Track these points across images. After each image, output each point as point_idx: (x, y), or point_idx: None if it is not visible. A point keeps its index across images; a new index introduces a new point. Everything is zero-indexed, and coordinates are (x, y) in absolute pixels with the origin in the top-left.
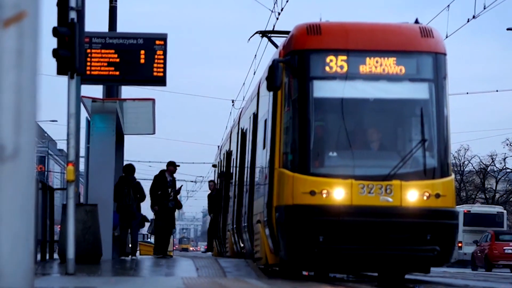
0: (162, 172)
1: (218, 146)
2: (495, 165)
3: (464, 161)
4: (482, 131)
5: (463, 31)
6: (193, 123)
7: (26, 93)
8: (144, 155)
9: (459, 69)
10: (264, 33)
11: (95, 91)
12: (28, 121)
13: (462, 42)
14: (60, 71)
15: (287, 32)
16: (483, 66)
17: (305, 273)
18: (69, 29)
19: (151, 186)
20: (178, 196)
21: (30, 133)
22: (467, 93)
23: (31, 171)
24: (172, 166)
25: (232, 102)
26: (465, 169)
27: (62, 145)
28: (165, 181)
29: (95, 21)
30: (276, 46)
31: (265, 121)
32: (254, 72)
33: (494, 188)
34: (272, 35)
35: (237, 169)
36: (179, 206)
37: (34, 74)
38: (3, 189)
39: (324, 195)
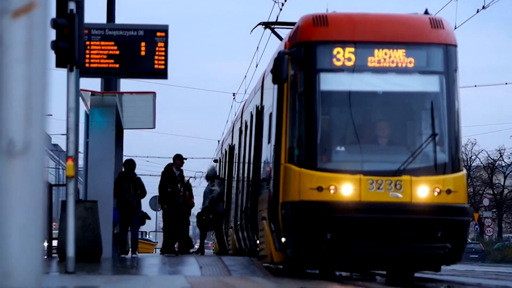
0: (169, 166)
1: (219, 141)
2: (503, 160)
3: (471, 156)
4: (490, 125)
5: (471, 21)
6: (191, 117)
7: (36, 86)
8: (141, 150)
9: (467, 61)
10: (267, 25)
11: (93, 84)
12: (38, 115)
13: (470, 33)
14: (58, 64)
15: (291, 24)
16: (492, 58)
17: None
18: (68, 21)
19: (160, 183)
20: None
21: (40, 128)
22: (475, 86)
23: (41, 166)
24: (179, 160)
25: (233, 95)
26: (472, 164)
27: (56, 139)
28: (174, 176)
29: (93, 12)
30: (279, 37)
31: (270, 114)
32: (257, 65)
33: (502, 183)
34: (275, 26)
35: (240, 164)
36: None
37: (44, 66)
38: (13, 185)
39: (332, 191)
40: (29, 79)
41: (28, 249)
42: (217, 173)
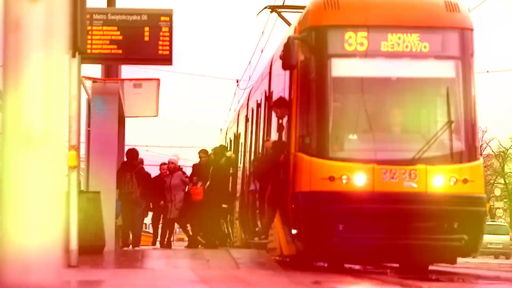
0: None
1: (221, 129)
2: None
3: (482, 144)
4: (502, 112)
5: (483, 4)
6: (191, 104)
7: (55, 72)
8: (138, 139)
9: (479, 45)
10: (274, 8)
11: (92, 71)
12: (57, 103)
13: (482, 16)
14: None
15: (299, 7)
16: (506, 42)
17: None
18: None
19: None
20: None
21: (59, 115)
22: (488, 71)
23: (61, 156)
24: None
25: (237, 82)
26: (483, 153)
27: None
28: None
29: None
30: (286, 22)
31: None
32: (262, 50)
33: None
34: (282, 10)
35: (247, 153)
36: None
37: (63, 52)
38: (32, 175)
39: (344, 181)
40: (48, 66)
41: (48, 241)
42: None
